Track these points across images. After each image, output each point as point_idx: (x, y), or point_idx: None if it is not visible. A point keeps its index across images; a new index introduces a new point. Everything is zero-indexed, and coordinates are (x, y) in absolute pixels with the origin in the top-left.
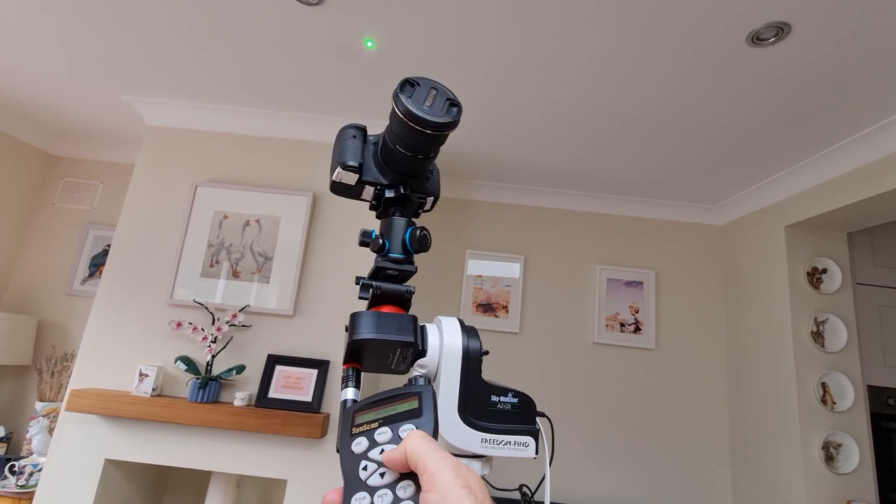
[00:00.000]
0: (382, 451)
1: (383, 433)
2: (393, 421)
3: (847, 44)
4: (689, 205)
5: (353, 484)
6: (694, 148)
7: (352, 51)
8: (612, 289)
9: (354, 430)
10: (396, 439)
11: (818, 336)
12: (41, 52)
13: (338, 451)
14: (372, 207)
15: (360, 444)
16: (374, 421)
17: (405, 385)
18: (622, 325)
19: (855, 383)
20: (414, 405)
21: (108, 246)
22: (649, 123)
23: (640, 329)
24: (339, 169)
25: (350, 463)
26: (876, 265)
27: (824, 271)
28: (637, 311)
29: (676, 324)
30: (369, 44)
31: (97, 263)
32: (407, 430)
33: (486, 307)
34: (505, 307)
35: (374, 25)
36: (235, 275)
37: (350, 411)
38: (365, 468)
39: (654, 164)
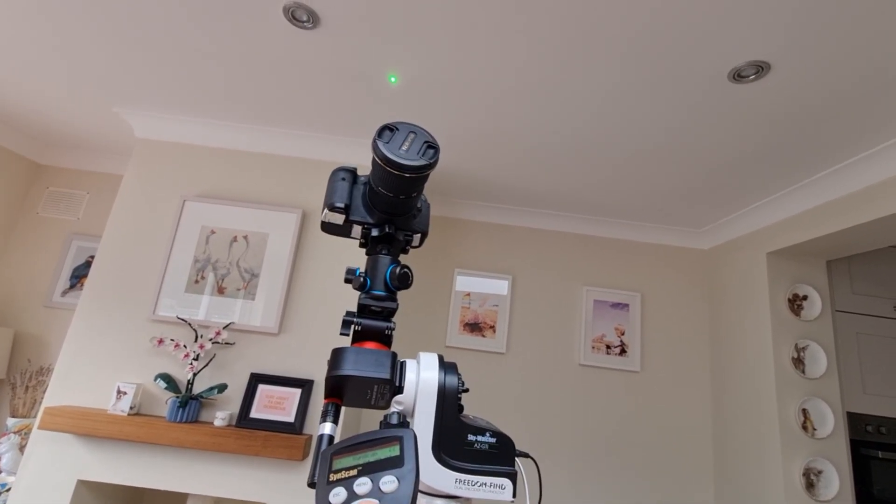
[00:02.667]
0: None
1: (363, 485)
2: (373, 470)
3: (823, 82)
4: (675, 228)
5: None
6: (680, 175)
7: (346, 72)
8: (598, 310)
9: (332, 477)
10: (377, 493)
11: (799, 362)
12: (30, 63)
13: (309, 486)
14: (361, 245)
15: (337, 496)
16: (352, 468)
17: (385, 427)
18: (608, 346)
19: (835, 410)
20: (395, 452)
21: (92, 257)
22: (639, 153)
23: (625, 351)
24: (326, 210)
25: None
26: (854, 293)
27: (805, 298)
28: (623, 333)
29: (661, 346)
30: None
31: (79, 275)
32: (388, 482)
33: (474, 326)
34: (492, 327)
35: (373, 50)
36: (221, 291)
37: (328, 454)
38: None
39: (643, 190)
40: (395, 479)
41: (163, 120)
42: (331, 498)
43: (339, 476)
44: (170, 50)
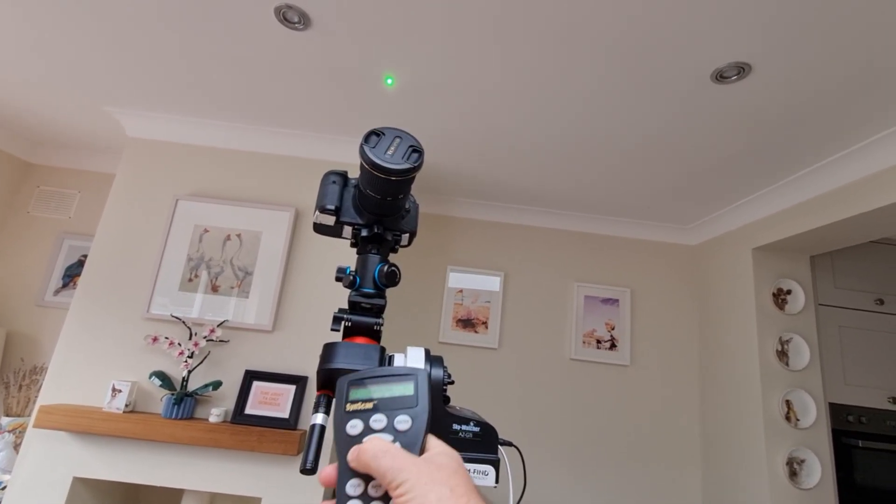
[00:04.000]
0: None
1: (378, 421)
2: (388, 407)
3: (803, 82)
4: (663, 225)
5: (348, 468)
6: (667, 173)
7: (337, 72)
8: (589, 306)
9: (349, 407)
10: (392, 430)
11: (783, 355)
12: (21, 62)
13: (301, 472)
14: (352, 245)
15: (355, 427)
16: (368, 401)
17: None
18: (598, 341)
19: (817, 401)
20: (409, 391)
21: (84, 256)
22: (627, 151)
23: (615, 346)
24: (318, 212)
25: (345, 445)
26: (836, 287)
27: (789, 292)
28: (613, 328)
29: (651, 340)
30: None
31: (71, 274)
32: (403, 421)
33: (467, 322)
34: (485, 323)
35: (364, 51)
36: (214, 289)
37: (344, 382)
38: None
39: (631, 188)
40: (409, 418)
41: (154, 119)
42: (348, 429)
43: (355, 407)
44: (161, 49)
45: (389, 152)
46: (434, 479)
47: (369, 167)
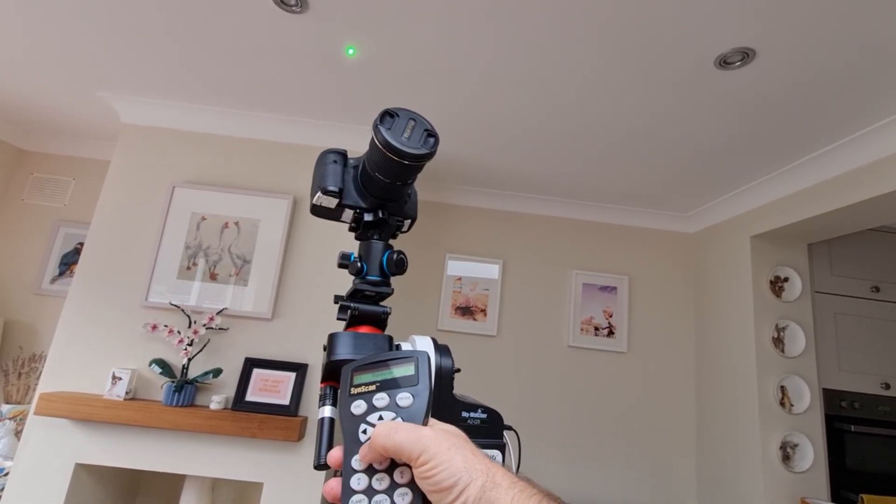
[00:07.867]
0: (381, 417)
1: (381, 399)
2: (390, 386)
3: (807, 69)
4: (661, 213)
5: (353, 444)
6: (666, 160)
7: (336, 58)
8: (587, 293)
9: (353, 391)
10: (394, 407)
11: (779, 341)
12: (11, 46)
13: (315, 468)
14: (351, 229)
15: (359, 407)
16: (371, 383)
17: (399, 350)
18: (596, 328)
19: (811, 386)
20: (410, 371)
21: (80, 244)
22: (626, 138)
23: (613, 333)
24: (319, 193)
25: (350, 424)
26: (833, 274)
27: (786, 280)
28: (611, 316)
29: (648, 328)
30: (350, 51)
31: (68, 262)
32: (404, 398)
33: (465, 310)
34: (483, 310)
35: (361, 34)
36: (213, 277)
37: (348, 370)
38: (364, 431)
39: (630, 175)
40: (410, 395)
41: (149, 105)
42: (352, 409)
43: (359, 390)
44: (155, 33)
45: (406, 135)
46: (453, 444)
47: (385, 149)
